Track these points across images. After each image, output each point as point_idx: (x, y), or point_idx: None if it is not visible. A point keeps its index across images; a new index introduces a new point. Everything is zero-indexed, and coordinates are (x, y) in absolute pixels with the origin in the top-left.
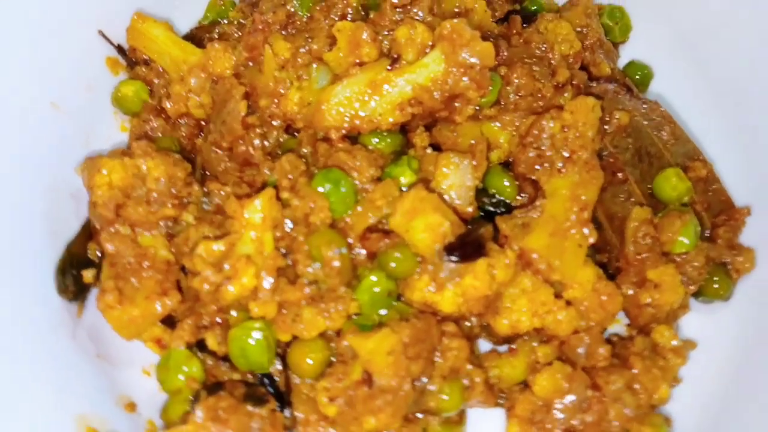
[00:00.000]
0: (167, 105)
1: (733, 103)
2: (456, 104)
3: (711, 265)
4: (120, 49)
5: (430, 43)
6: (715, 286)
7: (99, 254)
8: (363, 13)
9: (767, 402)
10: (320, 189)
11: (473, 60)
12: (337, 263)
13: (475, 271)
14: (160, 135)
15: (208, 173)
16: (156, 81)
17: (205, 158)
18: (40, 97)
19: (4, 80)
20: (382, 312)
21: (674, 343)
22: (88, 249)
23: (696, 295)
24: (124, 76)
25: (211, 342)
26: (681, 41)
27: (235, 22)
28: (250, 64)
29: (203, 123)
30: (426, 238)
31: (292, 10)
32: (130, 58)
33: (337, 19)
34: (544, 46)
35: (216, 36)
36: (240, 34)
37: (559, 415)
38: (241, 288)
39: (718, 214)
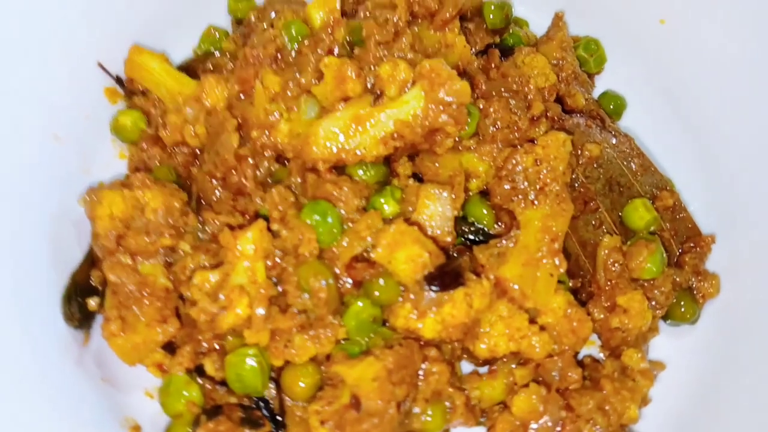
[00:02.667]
0: (164, 134)
1: (701, 135)
2: (436, 137)
3: (678, 290)
4: (118, 80)
5: (412, 80)
6: (682, 310)
7: (102, 282)
8: (348, 48)
9: (730, 420)
10: (308, 221)
11: (450, 99)
12: (323, 294)
13: (454, 300)
14: (157, 163)
15: (203, 202)
16: (153, 110)
17: (200, 187)
18: (42, 127)
19: (7, 112)
20: (367, 339)
21: (642, 365)
22: (91, 277)
23: (664, 318)
24: (122, 105)
25: (209, 367)
26: (652, 74)
27: (228, 54)
28: (242, 96)
29: (198, 151)
30: (407, 268)
31: (285, 39)
32: (128, 89)
33: (323, 54)
34: (521, 79)
35: (210, 67)
36: (233, 65)
37: None
38: (235, 318)
39: (685, 241)
